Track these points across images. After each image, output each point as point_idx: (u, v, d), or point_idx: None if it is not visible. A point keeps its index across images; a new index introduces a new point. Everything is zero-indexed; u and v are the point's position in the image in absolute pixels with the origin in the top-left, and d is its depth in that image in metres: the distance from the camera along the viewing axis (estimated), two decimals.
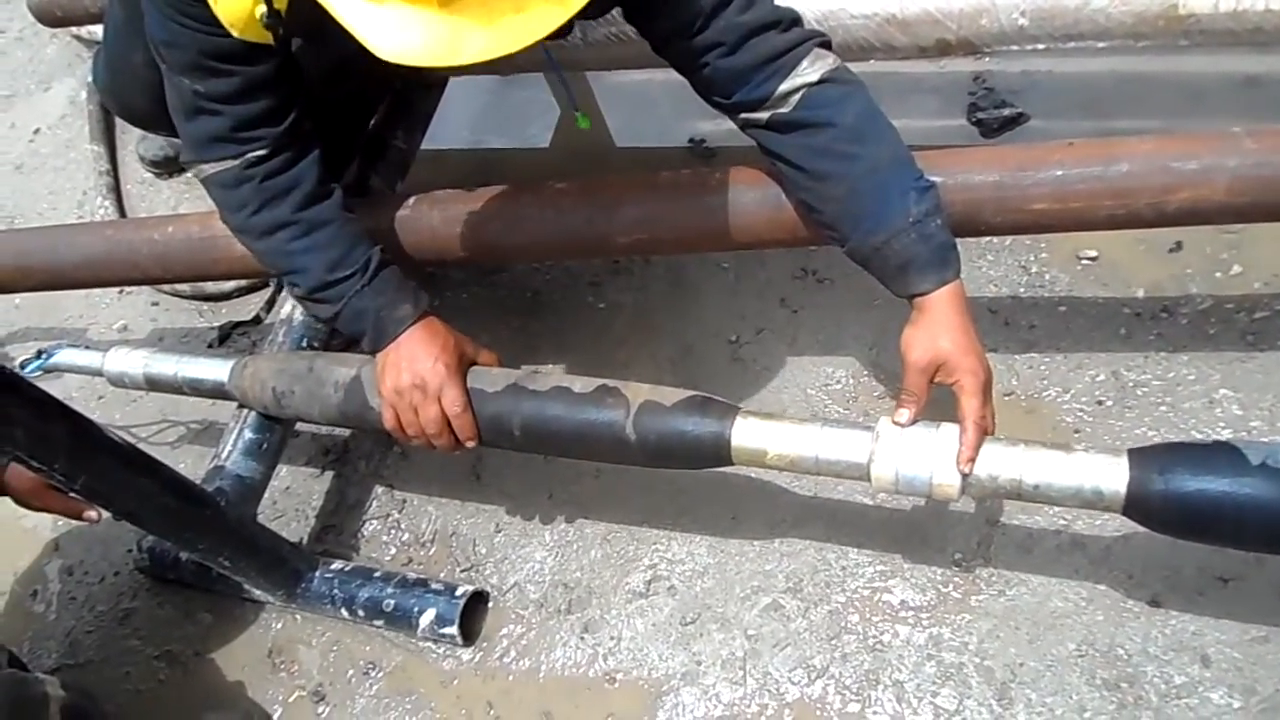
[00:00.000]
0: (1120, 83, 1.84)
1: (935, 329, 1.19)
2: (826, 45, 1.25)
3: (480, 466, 1.74)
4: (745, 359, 1.73)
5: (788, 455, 1.22)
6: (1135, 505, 1.09)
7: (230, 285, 2.15)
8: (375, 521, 1.74)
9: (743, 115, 1.26)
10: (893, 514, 1.52)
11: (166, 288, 2.20)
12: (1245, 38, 1.33)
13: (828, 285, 1.77)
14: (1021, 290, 1.67)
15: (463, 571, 1.64)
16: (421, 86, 1.89)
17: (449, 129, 2.22)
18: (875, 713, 1.37)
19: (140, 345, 1.82)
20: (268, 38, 1.18)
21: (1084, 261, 1.67)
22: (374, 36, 0.98)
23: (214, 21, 1.18)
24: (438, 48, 0.98)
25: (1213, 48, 1.43)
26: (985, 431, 1.16)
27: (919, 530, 1.49)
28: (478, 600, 1.58)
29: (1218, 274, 1.61)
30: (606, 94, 2.22)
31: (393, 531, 1.73)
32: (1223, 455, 1.07)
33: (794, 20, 1.24)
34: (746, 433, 1.24)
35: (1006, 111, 1.81)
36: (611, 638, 1.52)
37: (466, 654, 1.56)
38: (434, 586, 1.57)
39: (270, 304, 2.00)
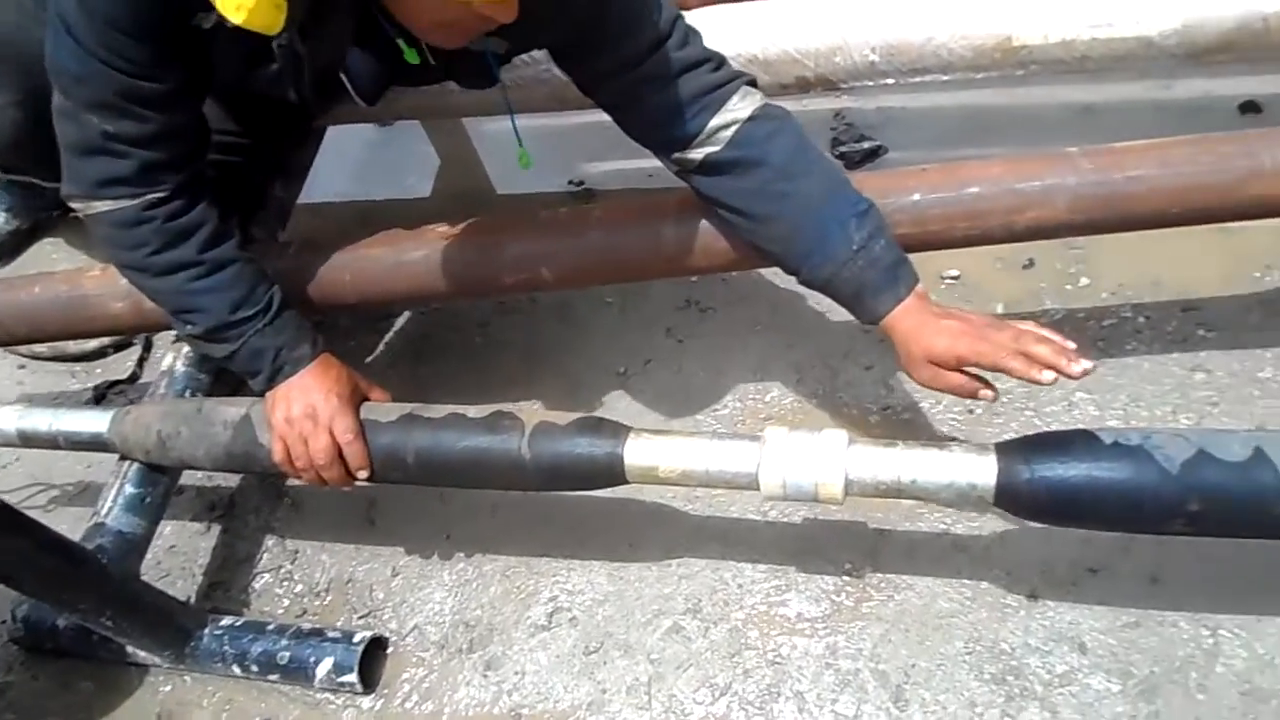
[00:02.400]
0: (969, 114, 1.97)
1: (911, 338, 1.23)
2: (753, 84, 1.30)
3: (374, 511, 1.72)
4: (634, 390, 1.77)
5: (679, 469, 1.26)
6: (1005, 495, 1.16)
7: (93, 344, 2.09)
8: (266, 575, 1.70)
9: (675, 156, 1.29)
10: (785, 528, 1.56)
11: (24, 349, 2.11)
12: (1074, 65, 1.45)
13: (711, 314, 1.83)
14: None
15: (360, 618, 1.62)
16: (302, 134, 1.89)
17: (328, 180, 2.23)
18: None
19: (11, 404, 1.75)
20: (277, 22, 1.03)
21: (947, 281, 1.77)
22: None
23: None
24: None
25: (1048, 78, 1.55)
26: (1022, 353, 1.15)
27: (811, 542, 1.54)
28: (377, 646, 1.56)
29: (1068, 286, 1.73)
30: (483, 141, 2.26)
31: (285, 583, 1.69)
32: (1079, 441, 1.15)
33: (723, 60, 1.29)
34: (639, 450, 1.27)
35: (866, 145, 1.93)
36: (515, 673, 1.51)
37: (367, 701, 1.53)
38: (330, 635, 1.53)
39: (142, 360, 1.96)
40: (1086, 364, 1.13)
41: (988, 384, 1.22)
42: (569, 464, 1.30)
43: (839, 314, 1.75)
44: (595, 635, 1.52)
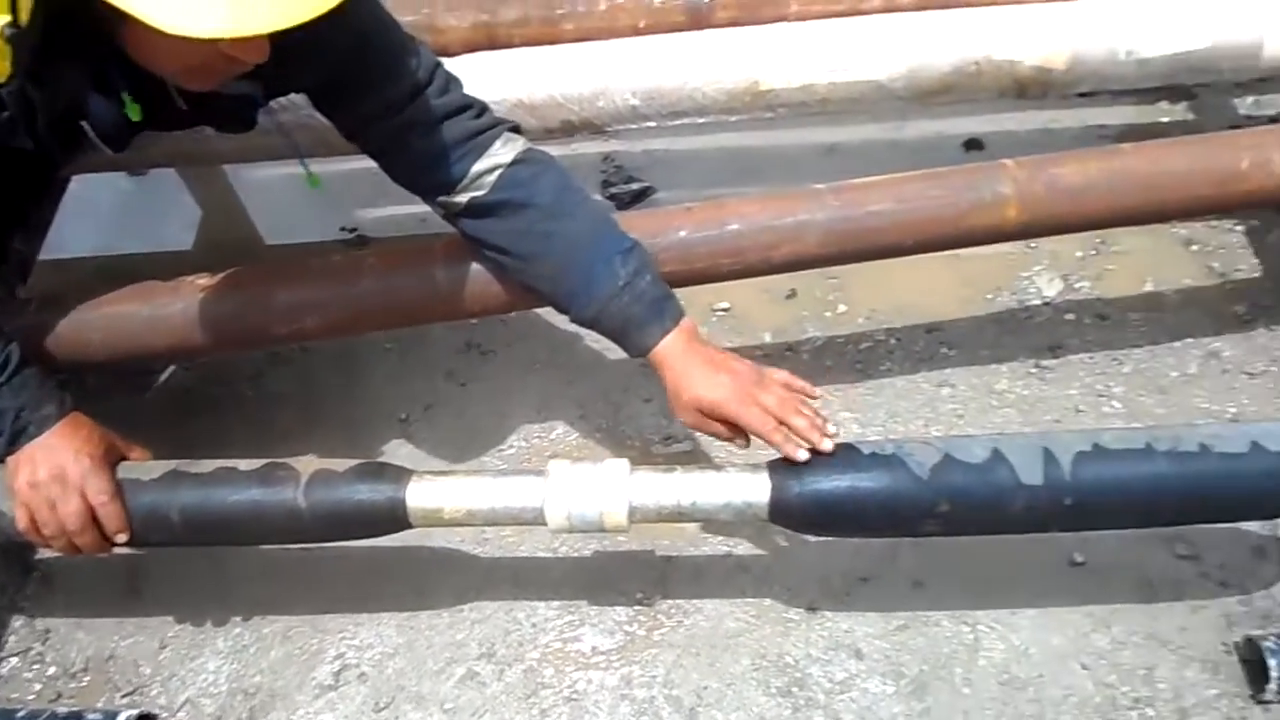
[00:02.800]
0: (729, 155, 2.08)
1: (681, 383, 1.25)
2: (516, 130, 1.32)
3: (140, 580, 1.60)
4: (416, 436, 1.74)
5: (464, 509, 1.25)
6: (778, 510, 1.22)
7: None
8: (14, 659, 1.55)
9: (440, 199, 1.30)
10: (576, 563, 1.58)
11: None
12: (816, 107, 1.56)
13: (491, 356, 1.84)
14: None
15: (124, 697, 1.49)
16: (43, 185, 1.76)
17: (76, 234, 2.08)
18: None
19: None
20: (2, 70, 0.99)
21: (718, 313, 1.85)
22: (157, 11, 0.89)
23: None
24: (226, 20, 0.91)
25: (796, 120, 1.67)
26: (783, 422, 1.20)
27: (602, 575, 1.56)
28: None
29: (827, 314, 1.84)
30: (248, 189, 2.18)
31: (36, 666, 1.54)
32: (842, 455, 1.22)
33: (484, 107, 1.31)
34: (422, 492, 1.25)
35: (635, 186, 2.00)
36: None
37: None
38: (90, 717, 1.41)
39: None
40: (830, 440, 1.21)
41: (745, 436, 1.27)
42: (349, 512, 1.26)
43: (617, 350, 1.79)
44: (386, 690, 1.47)
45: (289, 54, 1.05)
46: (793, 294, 1.87)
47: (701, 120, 1.62)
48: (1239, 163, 1.40)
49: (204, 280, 1.47)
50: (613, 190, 2.01)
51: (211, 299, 1.45)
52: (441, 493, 1.26)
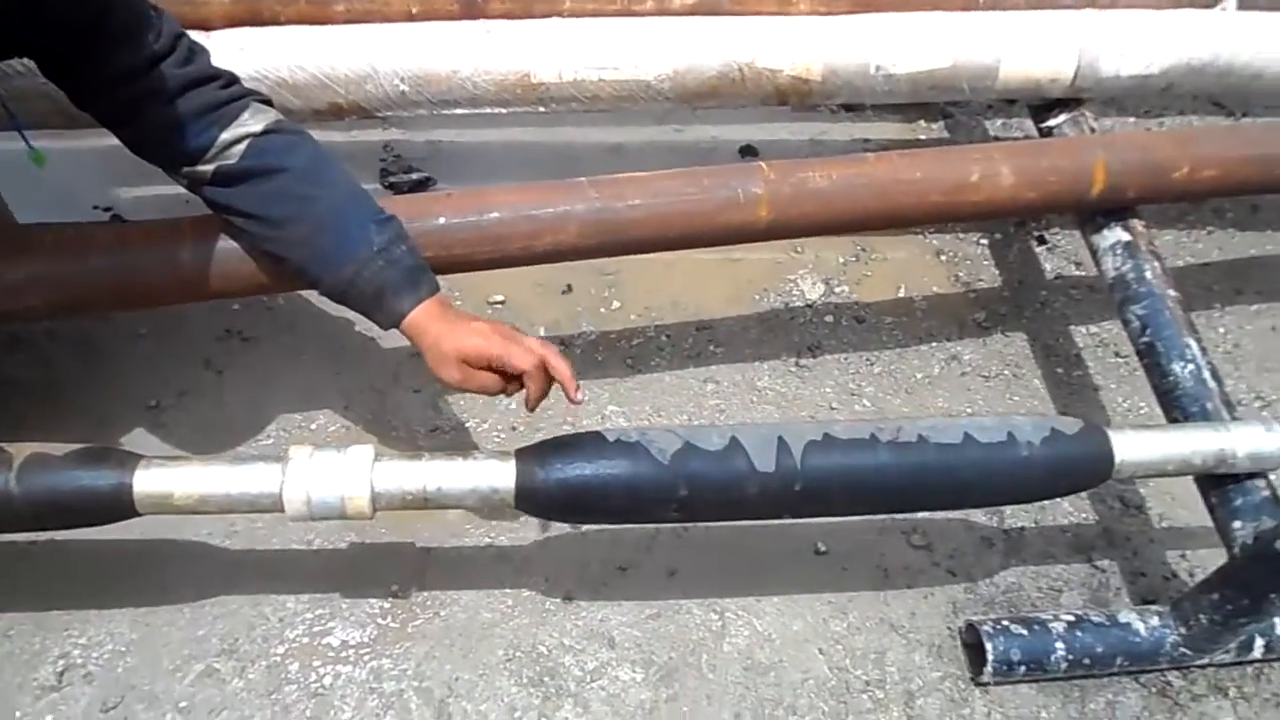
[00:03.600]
0: (513, 150, 2.09)
1: (442, 338, 1.24)
2: (267, 102, 1.28)
3: None
4: (169, 424, 1.65)
5: (196, 494, 1.19)
6: (524, 497, 1.22)
7: None
8: None
9: (185, 170, 1.24)
10: (331, 556, 1.53)
11: None
12: (588, 104, 1.58)
13: (253, 343, 1.76)
14: None
15: None
16: None
17: None
18: None
19: None
20: None
21: (494, 305, 1.85)
22: None
23: None
24: None
25: (582, 119, 1.68)
26: (541, 368, 1.23)
27: (356, 568, 1.52)
28: None
29: (602, 310, 1.87)
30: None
31: None
32: (588, 442, 1.24)
33: (233, 78, 1.26)
34: (150, 478, 1.19)
35: (415, 176, 1.97)
36: None
37: None
38: None
39: None
40: (581, 395, 1.26)
41: (518, 381, 1.26)
42: (69, 498, 1.18)
43: (387, 340, 1.78)
44: (115, 690, 1.39)
45: (6, 13, 0.99)
46: (569, 289, 1.88)
47: (476, 111, 1.61)
48: (970, 175, 1.51)
49: None
50: (391, 179, 1.97)
51: None
52: (172, 478, 1.19)
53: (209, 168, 1.23)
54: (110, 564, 1.49)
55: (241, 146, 1.23)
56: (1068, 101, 1.74)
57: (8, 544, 1.47)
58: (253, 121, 1.24)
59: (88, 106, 1.23)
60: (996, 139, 2.21)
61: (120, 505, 1.19)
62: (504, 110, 1.61)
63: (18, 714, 1.36)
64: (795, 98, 1.64)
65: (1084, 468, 1.29)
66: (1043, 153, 1.56)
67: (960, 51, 1.62)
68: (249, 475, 1.20)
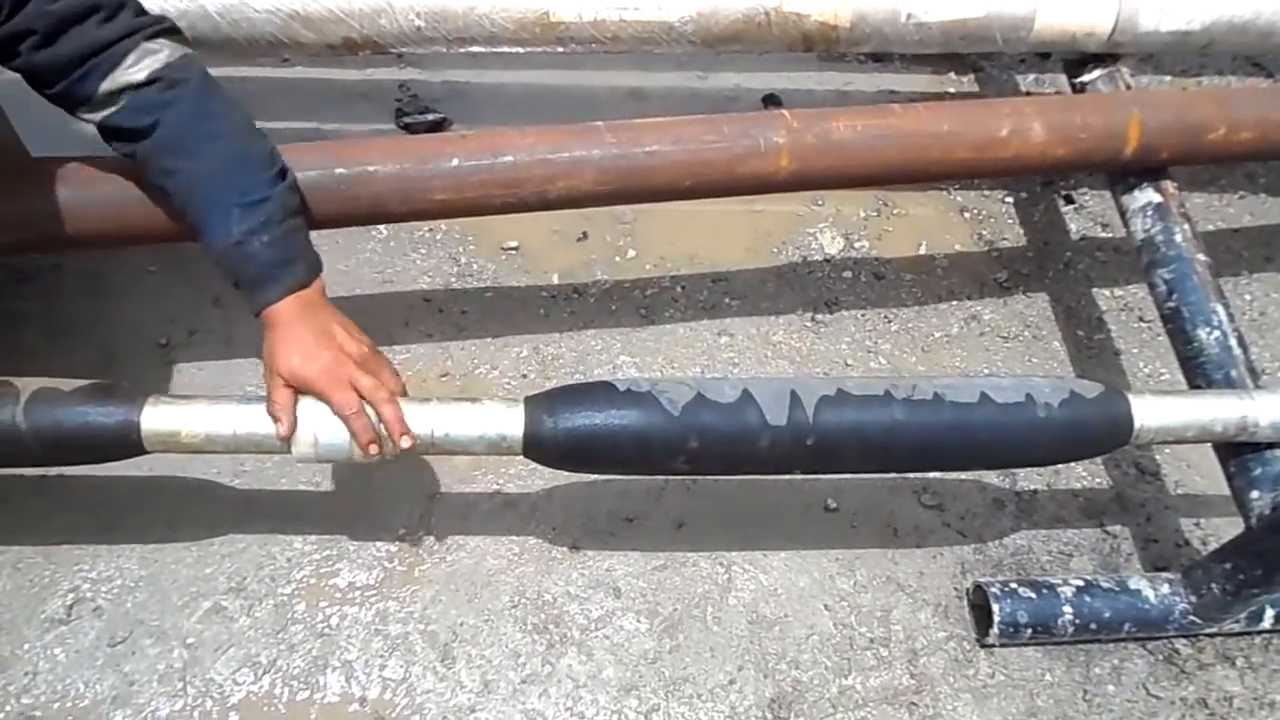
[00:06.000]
0: (531, 93, 2.04)
1: (278, 350, 1.16)
2: (164, 32, 1.17)
3: None
4: (178, 362, 1.65)
5: (203, 433, 1.18)
6: (532, 444, 1.21)
7: None
8: None
9: (80, 114, 1.17)
10: (338, 498, 1.53)
11: None
12: (609, 45, 1.54)
13: None
14: (453, 280, 1.78)
15: None
16: None
17: None
18: (324, 695, 1.36)
19: None
20: None
21: (507, 251, 1.82)
22: None
23: None
24: None
25: (602, 61, 1.63)
26: (362, 412, 1.15)
27: (364, 511, 1.52)
28: None
29: (617, 259, 1.84)
30: (9, 98, 1.99)
31: None
32: (599, 391, 1.22)
33: (119, 6, 1.15)
34: (158, 415, 1.18)
35: (431, 117, 1.94)
36: (26, 674, 1.35)
37: None
38: None
39: None
40: (409, 439, 1.17)
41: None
42: (77, 434, 1.17)
43: (400, 283, 1.77)
44: (123, 624, 1.40)
45: None
46: (584, 236, 1.85)
47: (493, 50, 1.57)
48: (999, 129, 1.47)
49: None
50: (407, 120, 1.94)
51: None
52: (179, 416, 1.19)
53: (95, 117, 1.16)
54: (119, 500, 1.49)
55: (122, 101, 1.14)
56: (1104, 57, 1.68)
57: (17, 478, 1.47)
58: (136, 68, 1.13)
59: None
60: (1028, 94, 2.15)
61: (127, 442, 1.19)
62: (521, 50, 1.57)
63: (26, 646, 1.38)
64: (822, 44, 1.60)
65: (1102, 432, 1.27)
66: (1075, 108, 1.51)
67: (995, 0, 1.57)
68: (257, 415, 1.19)
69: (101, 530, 1.47)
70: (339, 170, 1.34)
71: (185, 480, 1.52)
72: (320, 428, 1.17)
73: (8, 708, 1.33)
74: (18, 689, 1.34)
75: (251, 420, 1.19)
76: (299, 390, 1.16)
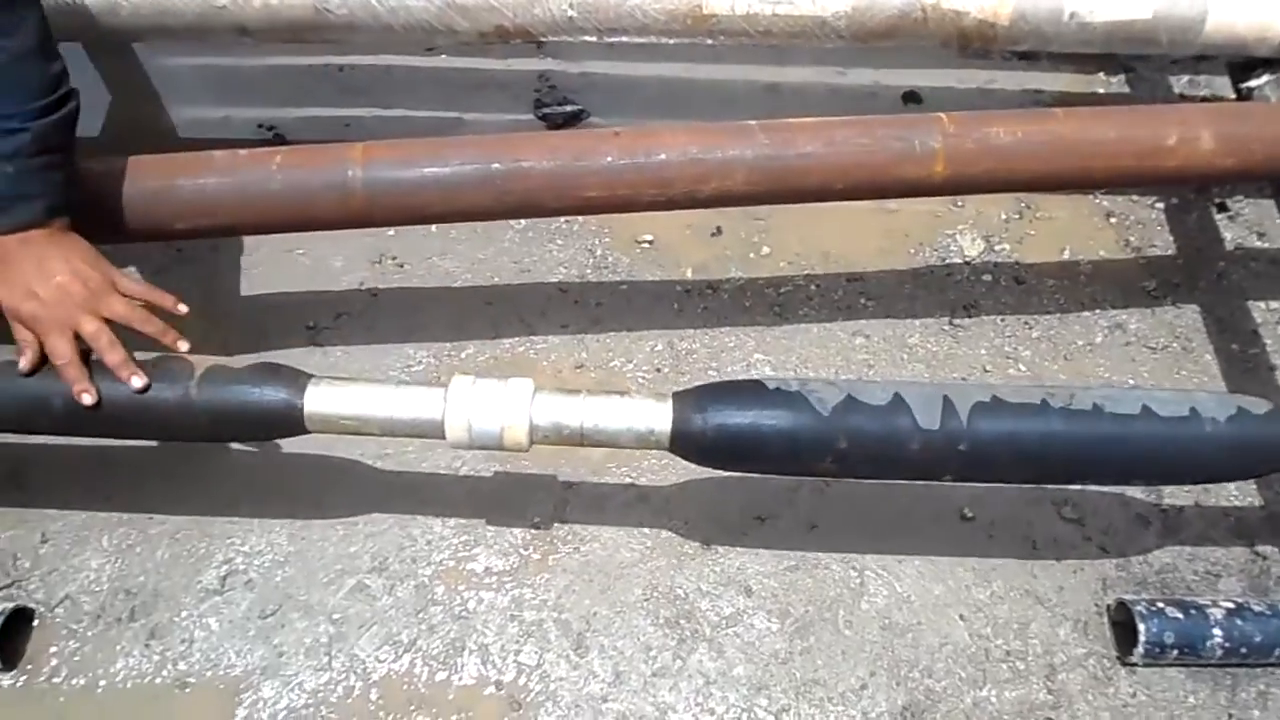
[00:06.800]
0: (667, 85, 2.05)
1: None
2: None
3: (23, 473, 1.55)
4: (324, 344, 1.70)
5: (362, 416, 1.22)
6: (679, 440, 1.21)
7: None
8: None
9: None
10: (476, 484, 1.56)
11: None
12: (758, 38, 1.53)
13: (407, 269, 1.79)
14: (589, 272, 1.80)
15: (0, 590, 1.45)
16: None
17: None
18: (461, 678, 1.39)
19: None
20: None
21: (642, 245, 1.83)
22: None
23: None
24: None
25: (738, 54, 1.63)
26: (74, 362, 1.16)
27: (501, 498, 1.55)
28: (20, 619, 1.41)
29: (751, 255, 1.83)
30: (164, 79, 2.08)
31: None
32: (748, 389, 1.22)
33: None
34: (319, 397, 1.22)
35: (569, 108, 1.96)
36: (182, 641, 1.41)
37: (7, 679, 1.37)
38: None
39: None
40: (140, 380, 1.18)
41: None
42: (244, 411, 1.22)
43: (537, 273, 1.79)
44: (273, 598, 1.45)
45: None
46: (718, 231, 1.85)
47: (641, 40, 1.58)
48: (1167, 138, 1.41)
49: (98, 166, 1.39)
50: (545, 110, 1.97)
51: (108, 187, 1.37)
52: (340, 398, 1.22)
53: None
54: (268, 478, 1.55)
55: None
56: (1273, 62, 1.61)
57: (177, 451, 1.54)
58: None
59: None
60: (1183, 97, 2.07)
61: (291, 421, 1.23)
62: (670, 41, 1.58)
63: (184, 613, 1.44)
64: (978, 42, 1.56)
65: (1273, 450, 1.22)
66: (1247, 117, 1.45)
67: (1163, 1, 1.51)
68: (413, 400, 1.22)
69: (253, 506, 1.53)
70: (494, 166, 1.36)
71: (330, 459, 1.56)
72: (474, 415, 1.20)
73: (165, 672, 1.39)
74: (174, 655, 1.40)
75: (408, 404, 1.22)
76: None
